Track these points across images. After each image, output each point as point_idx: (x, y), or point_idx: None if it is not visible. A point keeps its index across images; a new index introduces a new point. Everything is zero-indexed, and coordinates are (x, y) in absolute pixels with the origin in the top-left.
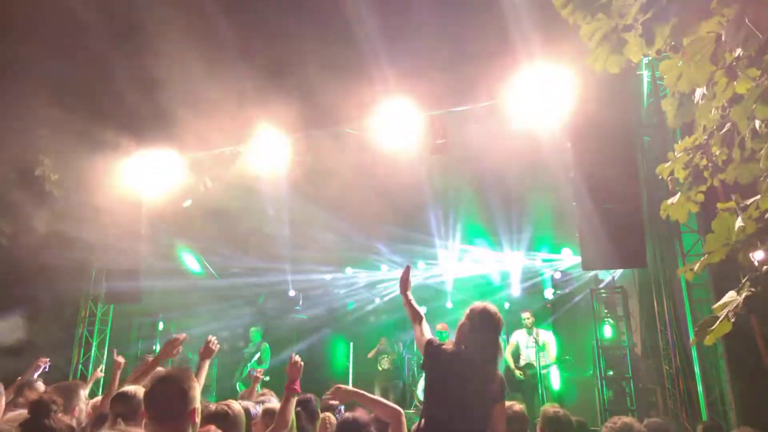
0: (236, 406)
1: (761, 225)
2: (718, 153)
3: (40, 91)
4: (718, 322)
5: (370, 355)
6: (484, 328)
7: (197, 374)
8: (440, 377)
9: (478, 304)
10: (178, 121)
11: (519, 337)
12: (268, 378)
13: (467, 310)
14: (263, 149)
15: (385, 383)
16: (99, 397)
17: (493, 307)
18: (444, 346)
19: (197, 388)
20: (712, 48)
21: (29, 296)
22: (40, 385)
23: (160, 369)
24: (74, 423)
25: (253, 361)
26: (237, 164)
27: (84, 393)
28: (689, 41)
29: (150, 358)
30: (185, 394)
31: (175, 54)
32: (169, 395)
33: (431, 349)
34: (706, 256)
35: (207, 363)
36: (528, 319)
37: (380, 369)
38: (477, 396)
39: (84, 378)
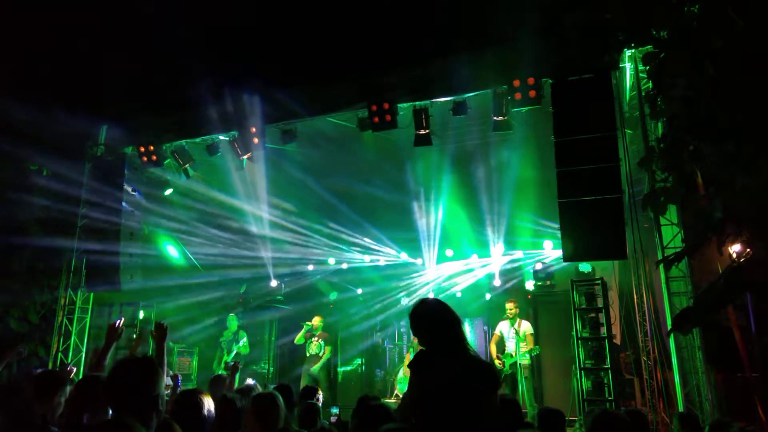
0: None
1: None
2: (698, 145)
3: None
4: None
5: (297, 339)
6: (438, 318)
7: (157, 358)
8: (433, 384)
9: (416, 302)
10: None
11: (503, 327)
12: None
13: (411, 313)
14: (245, 138)
15: (317, 370)
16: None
17: (428, 299)
18: (428, 352)
19: (160, 374)
20: (693, 38)
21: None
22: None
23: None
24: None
25: (239, 345)
26: (219, 153)
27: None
28: (671, 31)
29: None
30: (147, 380)
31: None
32: (131, 381)
33: (414, 361)
34: (685, 246)
35: (164, 346)
36: (511, 310)
37: (308, 354)
38: (471, 389)
39: (63, 366)
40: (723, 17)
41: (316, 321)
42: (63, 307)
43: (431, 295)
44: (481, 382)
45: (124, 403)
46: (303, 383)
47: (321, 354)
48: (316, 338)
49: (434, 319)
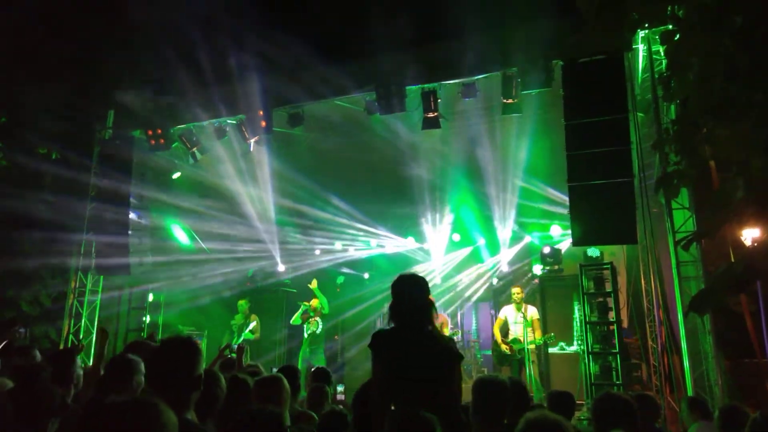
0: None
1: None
2: (712, 127)
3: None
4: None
5: (293, 320)
6: (406, 294)
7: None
8: (393, 362)
9: (396, 276)
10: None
11: (507, 312)
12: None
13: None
14: (253, 121)
15: (314, 346)
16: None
17: (409, 273)
18: (387, 331)
19: (202, 355)
20: (712, 15)
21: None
22: (37, 354)
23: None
24: (71, 390)
25: (246, 332)
26: (226, 137)
27: (79, 360)
28: (688, 9)
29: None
30: (190, 361)
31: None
32: (174, 362)
33: (374, 341)
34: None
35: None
36: (517, 294)
37: (306, 334)
38: (430, 365)
39: (75, 345)
40: None
41: (315, 303)
42: (73, 290)
43: (438, 280)
44: (442, 358)
45: (165, 383)
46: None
47: (318, 331)
48: (313, 318)
49: (406, 294)
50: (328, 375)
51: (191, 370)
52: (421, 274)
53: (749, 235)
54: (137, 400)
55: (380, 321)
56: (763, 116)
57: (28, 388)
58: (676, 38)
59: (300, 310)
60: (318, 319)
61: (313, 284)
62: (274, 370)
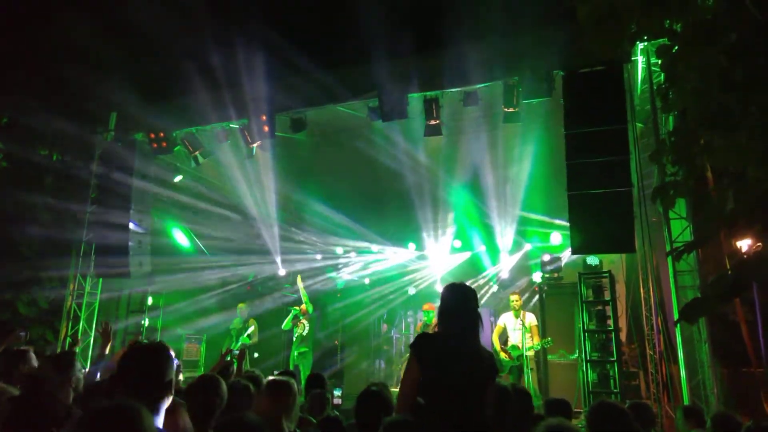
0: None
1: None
2: (709, 138)
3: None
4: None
5: (284, 325)
6: (458, 304)
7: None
8: (433, 367)
9: (448, 283)
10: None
11: (506, 319)
12: (257, 354)
13: (441, 293)
14: (255, 126)
15: (303, 349)
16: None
17: (461, 282)
18: (432, 335)
19: (172, 360)
20: (708, 31)
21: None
22: (32, 356)
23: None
24: (71, 394)
25: (243, 336)
26: (228, 141)
27: (78, 363)
28: (685, 24)
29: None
30: (160, 366)
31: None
32: (144, 366)
33: (416, 342)
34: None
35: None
36: (516, 301)
37: (296, 336)
38: (471, 377)
39: (72, 349)
40: (739, 10)
41: (304, 307)
42: (72, 292)
43: (438, 286)
44: (478, 370)
45: (136, 389)
46: (293, 366)
47: (305, 333)
48: (301, 321)
49: (455, 303)
50: (324, 381)
51: (161, 376)
52: (469, 284)
53: (741, 245)
54: (120, 405)
55: (385, 325)
56: (758, 128)
57: (32, 397)
58: (674, 50)
59: (290, 315)
60: (305, 321)
61: (298, 281)
62: (276, 373)
